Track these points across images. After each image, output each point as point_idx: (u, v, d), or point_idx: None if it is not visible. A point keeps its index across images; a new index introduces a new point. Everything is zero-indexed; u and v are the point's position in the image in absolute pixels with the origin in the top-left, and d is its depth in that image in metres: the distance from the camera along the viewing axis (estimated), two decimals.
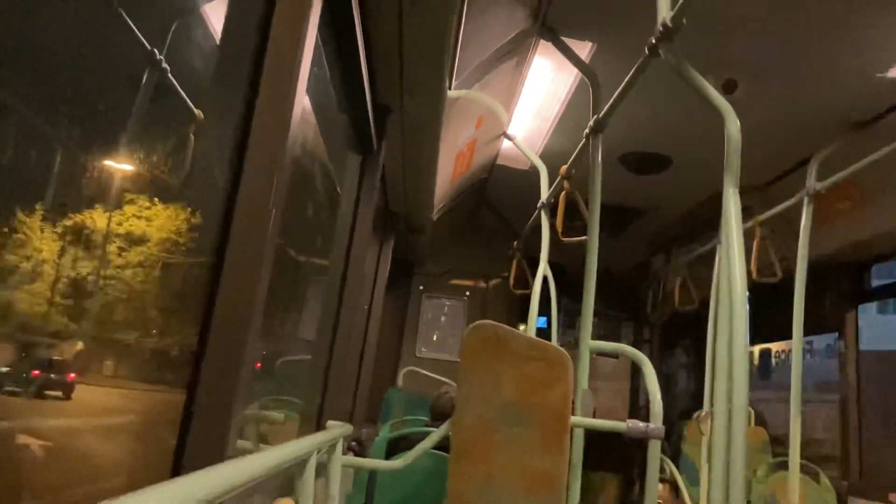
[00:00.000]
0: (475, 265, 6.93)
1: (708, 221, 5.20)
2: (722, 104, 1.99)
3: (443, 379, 5.79)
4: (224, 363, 1.24)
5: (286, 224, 1.63)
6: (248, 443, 1.97)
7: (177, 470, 1.21)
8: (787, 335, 3.70)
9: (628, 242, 6.35)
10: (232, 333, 1.27)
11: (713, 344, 4.39)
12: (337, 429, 2.07)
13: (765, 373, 6.44)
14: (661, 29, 2.17)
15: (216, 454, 1.19)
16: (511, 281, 5.16)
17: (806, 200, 3.69)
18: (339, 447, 2.00)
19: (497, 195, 5.84)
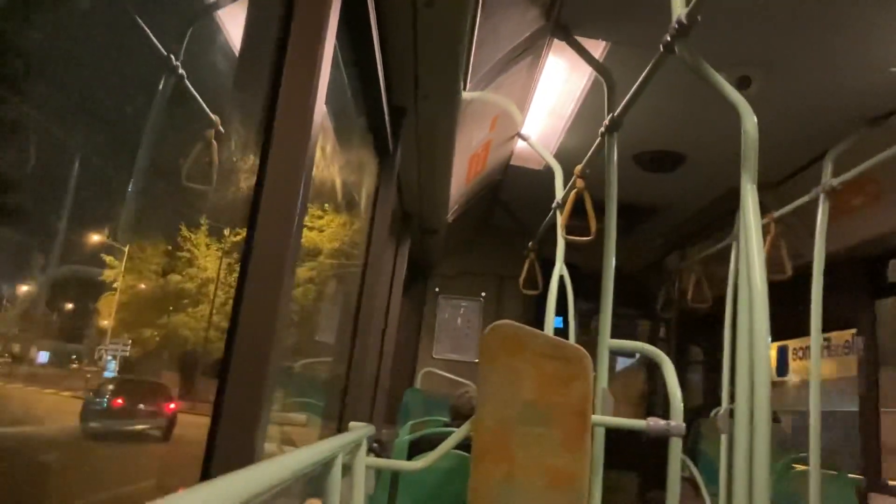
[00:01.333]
0: (490, 266, 6.94)
1: (722, 219, 5.18)
2: (738, 100, 2.00)
3: (460, 379, 5.81)
4: (251, 366, 1.26)
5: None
6: (273, 444, 1.99)
7: (206, 474, 1.22)
8: (803, 332, 3.68)
9: (642, 241, 6.35)
10: (258, 337, 1.29)
11: (731, 341, 4.39)
12: (360, 430, 2.09)
13: (781, 370, 6.40)
14: (675, 26, 2.18)
15: (245, 457, 1.21)
16: (521, 281, 5.16)
17: (822, 197, 3.67)
18: (363, 448, 2.02)
19: (511, 196, 5.85)
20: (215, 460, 1.20)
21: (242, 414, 1.23)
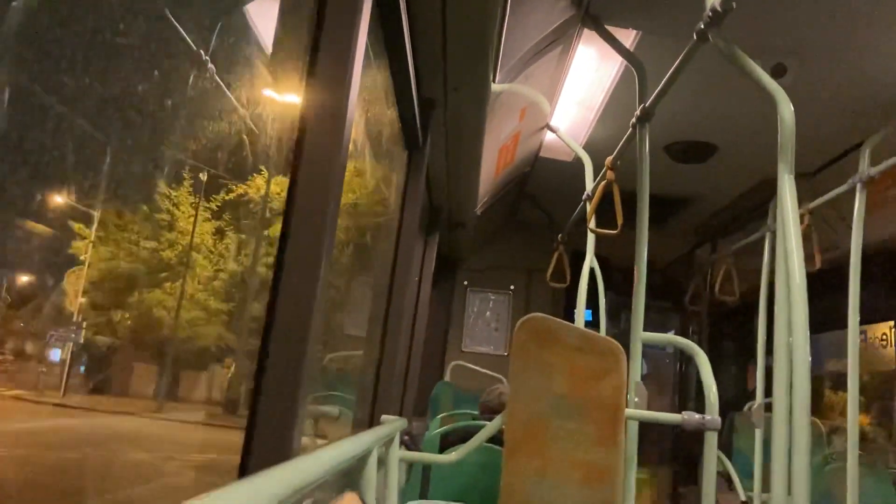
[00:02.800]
0: (519, 259, 6.92)
1: (754, 210, 5.11)
2: (774, 89, 1.96)
3: (490, 373, 5.80)
4: (287, 361, 1.26)
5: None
6: (306, 438, 1.99)
7: (244, 470, 1.22)
8: (838, 325, 3.63)
9: (673, 233, 6.29)
10: (294, 332, 1.28)
11: (765, 333, 4.33)
12: (393, 423, 2.09)
13: (816, 363, 6.32)
14: (709, 14, 2.14)
15: (283, 453, 1.21)
16: (548, 274, 5.13)
17: (859, 186, 3.60)
18: (396, 441, 2.02)
19: (540, 188, 5.81)
20: (253, 457, 1.20)
21: (279, 410, 1.22)
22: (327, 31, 1.45)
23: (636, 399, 2.59)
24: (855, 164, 3.68)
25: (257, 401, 1.21)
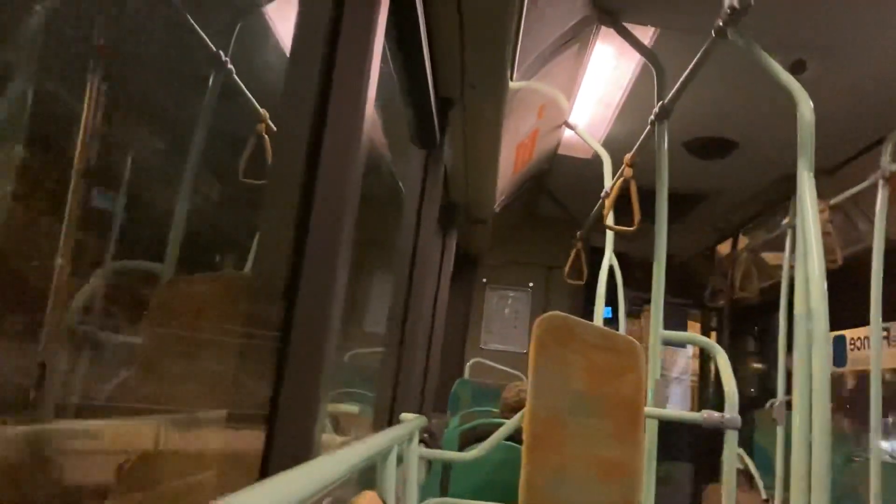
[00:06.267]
0: (538, 256, 6.90)
1: (775, 206, 5.08)
2: (794, 86, 1.95)
3: (509, 370, 5.81)
4: (307, 359, 1.27)
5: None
6: (326, 435, 2.01)
7: (265, 471, 1.22)
8: (860, 321, 3.60)
9: (693, 229, 6.26)
10: (314, 328, 1.29)
11: (786, 330, 4.31)
12: (412, 421, 2.10)
13: (839, 360, 6.26)
14: (728, 10, 2.14)
15: (304, 453, 1.22)
16: (566, 270, 5.11)
17: (881, 182, 3.58)
18: (416, 439, 2.03)
19: (559, 185, 5.81)
20: (273, 457, 1.20)
21: (299, 411, 1.23)
22: (345, 31, 1.46)
23: (655, 397, 2.59)
24: (877, 160, 3.65)
25: (277, 401, 1.22)
